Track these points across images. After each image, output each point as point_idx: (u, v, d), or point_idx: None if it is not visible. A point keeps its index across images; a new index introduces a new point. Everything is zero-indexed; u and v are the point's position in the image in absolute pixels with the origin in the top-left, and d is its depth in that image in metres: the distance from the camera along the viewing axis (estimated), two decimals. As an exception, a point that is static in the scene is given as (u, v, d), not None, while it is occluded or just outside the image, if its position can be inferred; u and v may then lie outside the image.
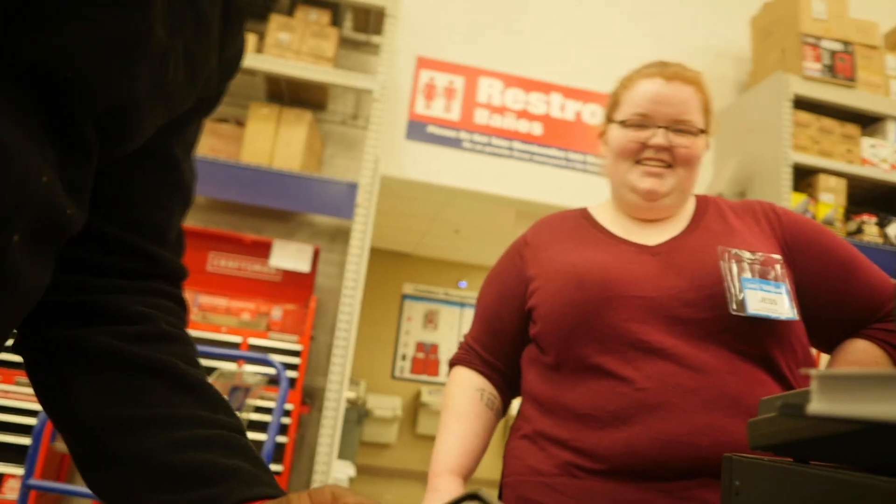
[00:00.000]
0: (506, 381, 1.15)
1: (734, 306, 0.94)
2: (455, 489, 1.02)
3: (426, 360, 7.88)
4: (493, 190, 3.50)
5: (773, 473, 0.45)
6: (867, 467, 0.40)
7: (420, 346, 7.89)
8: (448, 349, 7.93)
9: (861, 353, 1.02)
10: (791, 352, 0.97)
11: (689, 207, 1.13)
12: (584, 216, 1.16)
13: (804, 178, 3.08)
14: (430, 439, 7.56)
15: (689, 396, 0.90)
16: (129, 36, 0.45)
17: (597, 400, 0.95)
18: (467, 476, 1.07)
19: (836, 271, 1.04)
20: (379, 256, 7.41)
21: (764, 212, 1.10)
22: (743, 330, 0.94)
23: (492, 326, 1.15)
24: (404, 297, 7.94)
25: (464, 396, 1.12)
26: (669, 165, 1.07)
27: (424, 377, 7.81)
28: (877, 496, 0.36)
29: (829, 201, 3.02)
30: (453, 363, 1.19)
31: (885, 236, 3.07)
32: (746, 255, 0.99)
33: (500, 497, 1.07)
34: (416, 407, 7.71)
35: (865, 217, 3.08)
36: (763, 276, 0.97)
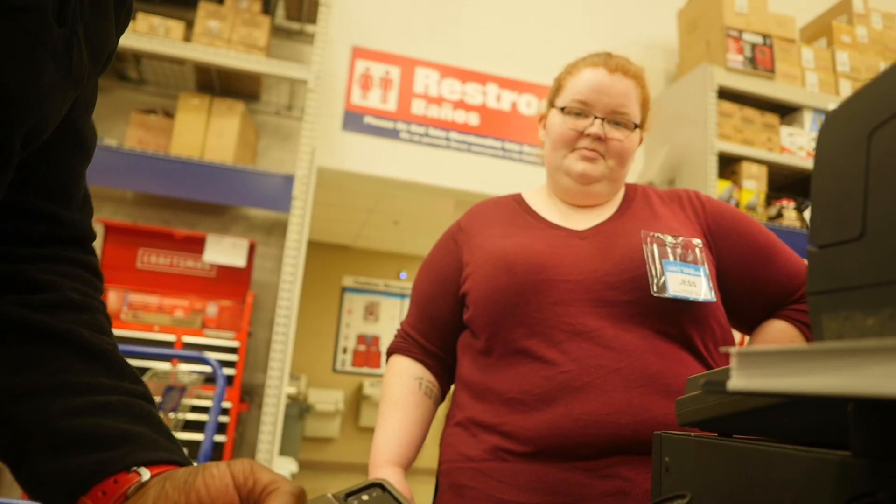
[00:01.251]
0: (444, 367, 1.16)
1: (655, 289, 0.97)
2: (396, 480, 1.02)
3: (367, 353, 7.84)
4: (432, 181, 3.50)
5: (699, 448, 0.47)
6: (786, 439, 0.43)
7: (361, 339, 7.85)
8: (389, 341, 7.90)
9: (778, 333, 1.08)
10: (710, 332, 1.01)
11: (619, 195, 1.16)
12: (517, 202, 1.18)
13: (728, 165, 3.21)
14: (373, 432, 7.55)
15: (611, 377, 0.93)
16: (34, 38, 0.45)
17: (523, 384, 0.97)
18: (408, 466, 1.08)
19: (756, 256, 1.08)
20: (317, 249, 7.32)
21: (689, 199, 1.14)
22: (663, 311, 0.98)
23: (428, 313, 1.16)
24: (344, 289, 7.87)
25: (402, 386, 1.13)
26: (601, 155, 1.10)
27: (366, 370, 7.77)
28: (795, 465, 0.38)
29: (752, 188, 3.16)
30: (391, 352, 1.19)
31: (802, 220, 3.24)
32: (668, 238, 1.03)
33: (436, 485, 1.08)
34: (358, 400, 7.67)
35: (785, 202, 3.23)
36: (683, 259, 1.01)
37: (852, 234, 0.30)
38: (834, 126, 0.32)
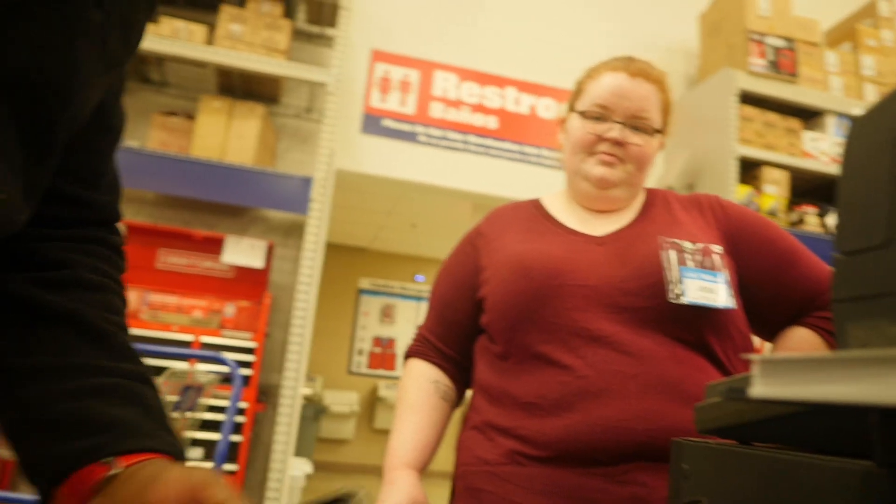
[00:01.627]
0: (460, 371, 1.16)
1: (672, 295, 0.96)
2: (411, 483, 1.02)
3: (383, 355, 7.86)
4: (449, 184, 3.51)
5: (718, 455, 0.46)
6: (807, 447, 0.42)
7: (377, 341, 7.87)
8: (405, 343, 7.90)
9: (800, 341, 1.06)
10: (729, 339, 1.00)
11: (639, 200, 1.15)
12: (536, 207, 1.18)
13: (749, 170, 3.17)
14: (388, 434, 7.55)
15: (628, 382, 0.93)
16: (74, 26, 0.45)
17: (540, 389, 0.97)
18: (423, 469, 1.07)
19: (778, 261, 1.07)
20: (334, 251, 7.35)
21: (710, 204, 1.12)
22: (681, 317, 0.97)
23: (446, 317, 1.16)
24: (360, 291, 7.90)
25: (419, 389, 1.13)
26: (620, 160, 1.09)
27: (381, 372, 7.79)
28: (816, 474, 0.38)
29: (773, 193, 3.13)
30: (408, 355, 1.19)
31: (824, 226, 3.19)
32: (687, 244, 1.02)
33: (452, 489, 1.08)
34: (373, 402, 7.69)
35: (807, 208, 3.19)
36: (702, 265, 1.00)
37: (878, 240, 0.29)
38: (861, 132, 0.31)
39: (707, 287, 0.98)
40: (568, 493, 0.91)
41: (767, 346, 1.16)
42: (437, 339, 1.17)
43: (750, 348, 1.06)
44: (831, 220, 3.17)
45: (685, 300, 0.96)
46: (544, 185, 3.49)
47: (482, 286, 1.10)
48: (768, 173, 3.14)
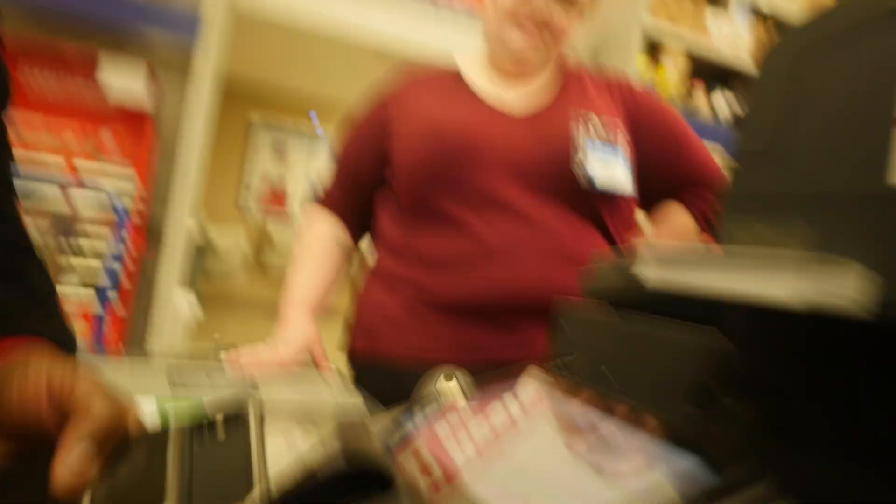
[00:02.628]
0: (357, 222, 1.22)
1: (584, 183, 1.02)
2: (305, 321, 1.09)
3: (273, 193, 7.72)
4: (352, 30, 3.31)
5: (589, 314, 0.53)
6: (666, 314, 0.49)
7: (267, 178, 7.68)
8: (296, 182, 7.79)
9: (680, 225, 1.17)
10: (619, 211, 1.09)
11: (556, 77, 1.17)
12: (453, 73, 1.18)
13: (652, 43, 3.22)
14: (275, 269, 7.63)
15: (526, 248, 0.99)
16: None
17: (441, 245, 1.02)
18: (317, 308, 1.14)
19: (671, 146, 1.15)
20: (225, 82, 6.87)
21: (619, 86, 1.17)
22: (584, 194, 1.03)
23: (350, 172, 1.20)
24: (252, 126, 7.54)
25: (319, 236, 1.19)
26: (539, 28, 1.10)
27: (272, 207, 7.69)
28: (667, 334, 0.44)
29: (671, 67, 3.22)
30: (311, 203, 1.24)
31: (711, 105, 3.36)
32: (593, 116, 1.07)
33: (348, 328, 1.15)
34: (261, 239, 7.65)
35: (696, 83, 3.33)
36: (604, 137, 1.06)
37: (772, 148, 0.33)
38: (778, 49, 0.34)
39: (606, 160, 1.04)
40: (458, 341, 0.99)
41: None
42: (340, 190, 1.21)
43: (633, 221, 1.16)
44: (717, 99, 3.35)
45: (594, 185, 1.02)
46: (452, 34, 3.37)
47: (391, 147, 1.11)
48: (669, 48, 3.20)
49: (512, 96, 1.13)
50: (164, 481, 0.39)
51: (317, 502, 0.33)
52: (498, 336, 0.99)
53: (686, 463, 0.29)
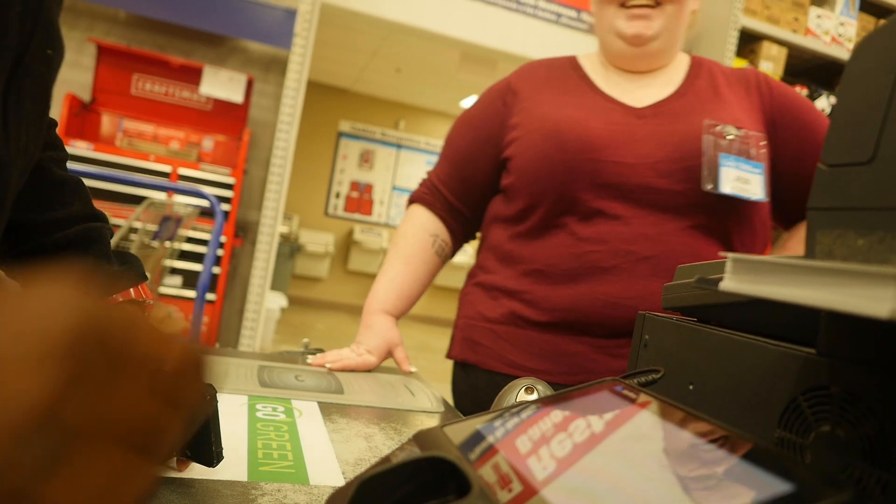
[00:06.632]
0: (463, 227, 1.15)
1: (709, 185, 0.93)
2: (387, 326, 1.07)
3: (360, 199, 7.91)
4: (438, 28, 3.36)
5: (678, 330, 0.51)
6: (757, 332, 0.47)
7: (354, 185, 7.88)
8: (382, 189, 7.95)
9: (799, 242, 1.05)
10: (750, 228, 0.98)
11: (682, 68, 1.08)
12: (572, 66, 1.11)
13: (748, 43, 3.09)
14: (359, 275, 7.81)
15: (640, 264, 0.93)
16: None
17: (551, 257, 0.97)
18: (400, 316, 1.12)
19: (813, 150, 1.02)
20: (315, 90, 7.13)
21: (757, 83, 1.06)
22: (710, 207, 0.94)
23: (461, 170, 1.12)
24: (340, 134, 7.78)
25: (415, 238, 1.13)
26: (658, 3, 1.01)
27: (357, 216, 7.89)
28: (763, 355, 0.42)
29: (768, 70, 3.07)
30: (413, 200, 1.17)
31: (812, 109, 3.18)
32: (730, 130, 0.97)
33: (452, 336, 1.13)
34: (348, 244, 7.86)
35: (799, 88, 3.16)
36: (743, 154, 0.96)
37: (864, 158, 0.31)
38: (867, 48, 0.32)
39: (744, 178, 0.94)
40: (561, 359, 0.95)
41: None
42: (448, 190, 1.13)
43: (768, 239, 1.04)
44: (821, 102, 3.16)
45: (719, 190, 0.92)
46: (539, 39, 3.36)
47: (509, 145, 1.05)
48: (767, 49, 3.06)
49: (634, 87, 1.05)
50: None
51: (396, 495, 0.34)
52: (599, 356, 0.95)
53: (779, 490, 0.27)
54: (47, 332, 0.21)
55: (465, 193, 1.12)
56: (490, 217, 1.10)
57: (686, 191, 0.94)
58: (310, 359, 0.98)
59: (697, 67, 1.07)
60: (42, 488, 0.19)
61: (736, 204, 0.95)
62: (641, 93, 1.04)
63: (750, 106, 1.03)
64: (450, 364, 1.13)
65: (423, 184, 1.17)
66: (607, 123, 0.99)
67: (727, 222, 0.96)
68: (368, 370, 1.00)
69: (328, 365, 0.96)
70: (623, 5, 1.02)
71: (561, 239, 0.97)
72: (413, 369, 1.05)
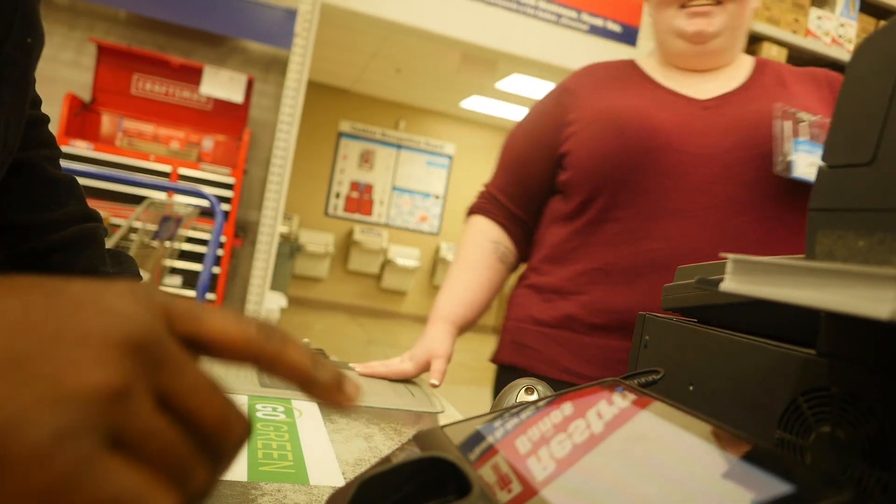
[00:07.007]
0: (525, 234, 1.12)
1: (780, 168, 0.87)
2: (440, 337, 1.01)
3: (360, 200, 7.92)
4: (438, 28, 3.36)
5: (678, 331, 0.51)
6: (757, 333, 0.47)
7: (354, 186, 7.89)
8: (382, 189, 7.96)
9: None
10: None
11: (746, 67, 1.05)
12: (631, 66, 1.08)
13: (749, 44, 3.09)
14: (360, 275, 7.81)
15: (706, 261, 0.91)
16: None
17: (610, 255, 0.93)
18: (464, 326, 1.07)
19: None
20: (315, 90, 7.13)
21: (828, 80, 1.02)
22: (783, 196, 0.89)
23: (519, 175, 1.09)
24: (340, 134, 7.78)
25: (478, 247, 1.10)
26: (719, 2, 0.98)
27: (357, 216, 7.89)
28: (763, 356, 0.42)
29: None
30: (473, 212, 1.15)
31: (812, 110, 3.18)
32: (804, 115, 0.91)
33: (499, 341, 1.09)
34: (347, 244, 7.86)
35: (798, 89, 3.16)
36: (817, 139, 0.89)
37: (864, 159, 0.31)
38: (868, 50, 0.32)
39: (818, 164, 0.93)
40: (615, 365, 0.91)
41: None
42: (506, 198, 1.10)
43: None
44: (820, 103, 3.16)
45: (792, 174, 0.86)
46: (542, 40, 3.36)
47: (566, 141, 1.01)
48: (767, 50, 3.06)
49: (697, 82, 1.01)
50: None
51: (396, 496, 0.34)
52: None
53: (779, 490, 0.27)
54: (125, 329, 0.20)
55: (524, 198, 1.09)
56: (547, 219, 1.07)
57: (756, 180, 0.89)
58: (357, 368, 0.93)
59: (762, 66, 1.04)
60: (74, 489, 0.18)
61: (810, 192, 0.93)
62: (705, 87, 1.00)
63: (820, 99, 0.98)
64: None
65: (481, 195, 1.15)
66: (671, 113, 0.95)
67: (799, 214, 0.89)
68: (402, 379, 0.94)
69: (358, 369, 0.92)
70: (683, 6, 0.99)
71: (619, 235, 0.93)
72: (436, 383, 0.96)
